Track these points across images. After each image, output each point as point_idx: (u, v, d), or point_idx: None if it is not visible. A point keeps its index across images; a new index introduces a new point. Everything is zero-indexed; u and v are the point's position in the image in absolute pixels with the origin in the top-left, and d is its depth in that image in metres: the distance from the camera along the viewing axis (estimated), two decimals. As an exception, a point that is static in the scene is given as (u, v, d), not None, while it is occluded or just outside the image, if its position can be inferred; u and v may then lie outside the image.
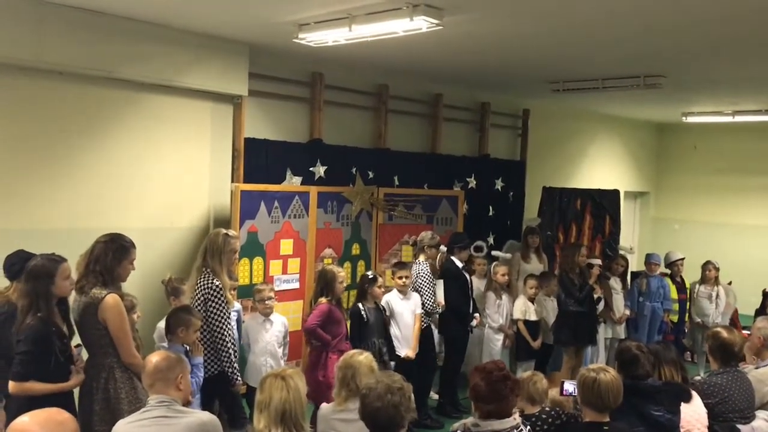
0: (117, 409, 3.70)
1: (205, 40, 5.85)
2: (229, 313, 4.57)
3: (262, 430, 2.76)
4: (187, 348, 4.13)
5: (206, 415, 3.03)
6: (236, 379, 4.52)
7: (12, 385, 3.54)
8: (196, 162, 6.17)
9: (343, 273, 5.40)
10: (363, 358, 3.61)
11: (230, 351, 4.48)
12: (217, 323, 4.45)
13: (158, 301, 5.28)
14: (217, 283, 4.47)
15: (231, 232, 4.75)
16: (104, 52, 5.25)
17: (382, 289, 5.73)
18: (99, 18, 5.14)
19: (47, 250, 4.31)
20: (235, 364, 4.55)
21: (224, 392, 4.60)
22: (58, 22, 4.95)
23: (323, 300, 5.23)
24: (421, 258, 6.28)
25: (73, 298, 3.90)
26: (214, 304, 4.44)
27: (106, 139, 5.52)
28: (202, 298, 4.46)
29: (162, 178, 5.89)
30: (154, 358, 3.12)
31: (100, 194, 5.49)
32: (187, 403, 3.11)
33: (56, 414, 2.27)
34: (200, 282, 4.50)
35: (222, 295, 4.47)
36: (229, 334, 4.50)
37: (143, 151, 5.75)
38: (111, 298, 3.79)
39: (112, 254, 3.88)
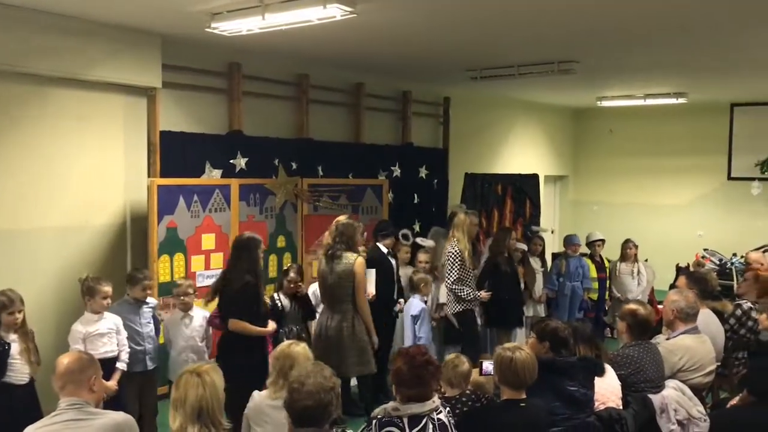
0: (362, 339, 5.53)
1: (116, 32, 5.65)
2: None
3: (178, 428, 2.70)
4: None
5: (121, 416, 2.93)
6: None
7: (231, 322, 4.84)
8: (110, 157, 5.97)
9: None
10: (300, 348, 3.62)
11: None
12: None
13: (74, 302, 5.09)
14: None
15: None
16: (8, 45, 5.02)
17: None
18: (1, 9, 4.90)
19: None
20: None
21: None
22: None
23: None
24: None
25: (322, 262, 5.53)
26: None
27: (14, 136, 5.29)
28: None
29: (75, 175, 5.69)
30: (65, 360, 3.00)
31: (12, 193, 5.27)
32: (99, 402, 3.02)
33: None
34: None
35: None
36: None
37: (54, 147, 5.54)
38: (361, 259, 5.50)
39: (354, 228, 5.55)
